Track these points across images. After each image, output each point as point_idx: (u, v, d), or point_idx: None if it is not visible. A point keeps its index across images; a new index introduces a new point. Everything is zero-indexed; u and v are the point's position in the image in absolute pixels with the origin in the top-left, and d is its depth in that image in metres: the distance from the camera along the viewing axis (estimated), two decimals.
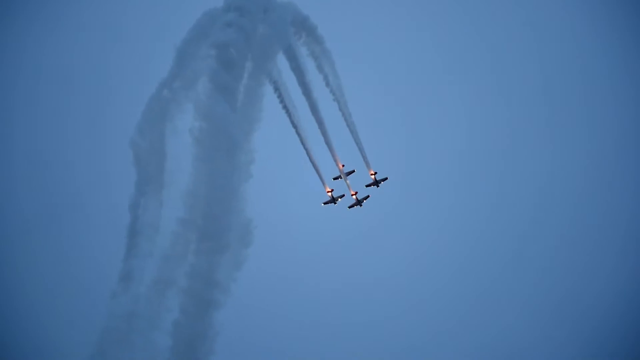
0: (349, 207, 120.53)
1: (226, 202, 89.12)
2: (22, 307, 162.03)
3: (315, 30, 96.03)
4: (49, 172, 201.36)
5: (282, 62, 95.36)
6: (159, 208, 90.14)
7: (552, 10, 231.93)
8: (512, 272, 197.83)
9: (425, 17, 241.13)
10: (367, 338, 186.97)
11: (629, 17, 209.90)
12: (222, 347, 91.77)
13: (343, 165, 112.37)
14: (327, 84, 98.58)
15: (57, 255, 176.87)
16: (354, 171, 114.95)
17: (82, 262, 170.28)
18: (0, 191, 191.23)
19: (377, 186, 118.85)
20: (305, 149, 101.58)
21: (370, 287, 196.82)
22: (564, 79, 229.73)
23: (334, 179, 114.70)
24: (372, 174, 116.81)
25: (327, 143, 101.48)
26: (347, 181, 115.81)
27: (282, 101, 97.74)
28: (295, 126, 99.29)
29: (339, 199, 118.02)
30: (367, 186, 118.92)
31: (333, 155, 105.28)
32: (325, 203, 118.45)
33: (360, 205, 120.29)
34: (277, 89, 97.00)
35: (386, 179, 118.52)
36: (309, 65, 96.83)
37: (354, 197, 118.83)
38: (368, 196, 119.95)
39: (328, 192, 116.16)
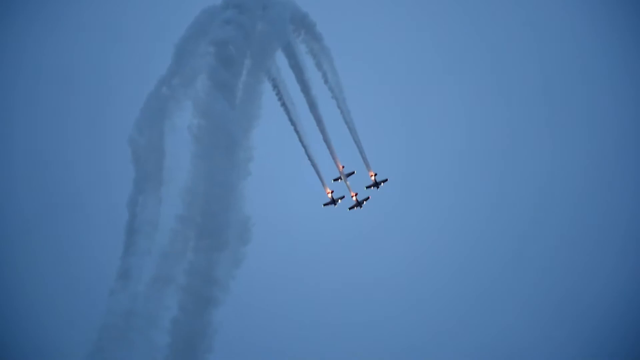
0: (349, 208, 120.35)
1: (225, 199, 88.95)
2: (22, 307, 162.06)
3: (314, 28, 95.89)
4: (49, 172, 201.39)
5: (280, 60, 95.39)
6: (157, 205, 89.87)
7: (552, 10, 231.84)
8: (512, 272, 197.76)
9: (425, 17, 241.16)
10: (367, 338, 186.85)
11: (629, 17, 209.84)
12: (221, 345, 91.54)
13: (343, 167, 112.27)
14: (326, 82, 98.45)
15: (57, 254, 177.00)
16: (354, 172, 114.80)
17: (82, 261, 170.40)
18: (0, 191, 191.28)
19: (377, 187, 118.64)
20: (304, 147, 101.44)
21: (370, 287, 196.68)
22: (564, 79, 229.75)
23: (334, 180, 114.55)
24: (372, 175, 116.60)
25: (326, 141, 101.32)
26: (347, 182, 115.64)
27: (280, 99, 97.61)
28: (294, 124, 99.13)
29: (339, 201, 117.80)
30: (367, 187, 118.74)
31: (333, 155, 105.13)
32: (325, 204, 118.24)
33: (361, 207, 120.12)
34: (275, 87, 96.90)
35: (386, 180, 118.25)
36: (308, 62, 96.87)
37: (354, 198, 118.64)
38: (368, 197, 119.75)
39: (328, 193, 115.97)
